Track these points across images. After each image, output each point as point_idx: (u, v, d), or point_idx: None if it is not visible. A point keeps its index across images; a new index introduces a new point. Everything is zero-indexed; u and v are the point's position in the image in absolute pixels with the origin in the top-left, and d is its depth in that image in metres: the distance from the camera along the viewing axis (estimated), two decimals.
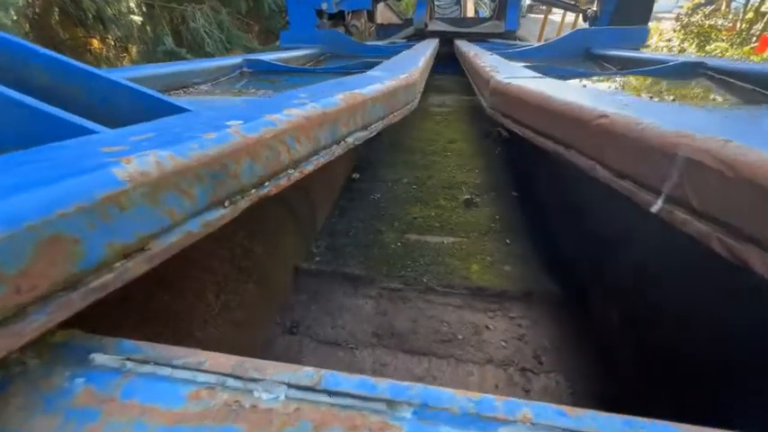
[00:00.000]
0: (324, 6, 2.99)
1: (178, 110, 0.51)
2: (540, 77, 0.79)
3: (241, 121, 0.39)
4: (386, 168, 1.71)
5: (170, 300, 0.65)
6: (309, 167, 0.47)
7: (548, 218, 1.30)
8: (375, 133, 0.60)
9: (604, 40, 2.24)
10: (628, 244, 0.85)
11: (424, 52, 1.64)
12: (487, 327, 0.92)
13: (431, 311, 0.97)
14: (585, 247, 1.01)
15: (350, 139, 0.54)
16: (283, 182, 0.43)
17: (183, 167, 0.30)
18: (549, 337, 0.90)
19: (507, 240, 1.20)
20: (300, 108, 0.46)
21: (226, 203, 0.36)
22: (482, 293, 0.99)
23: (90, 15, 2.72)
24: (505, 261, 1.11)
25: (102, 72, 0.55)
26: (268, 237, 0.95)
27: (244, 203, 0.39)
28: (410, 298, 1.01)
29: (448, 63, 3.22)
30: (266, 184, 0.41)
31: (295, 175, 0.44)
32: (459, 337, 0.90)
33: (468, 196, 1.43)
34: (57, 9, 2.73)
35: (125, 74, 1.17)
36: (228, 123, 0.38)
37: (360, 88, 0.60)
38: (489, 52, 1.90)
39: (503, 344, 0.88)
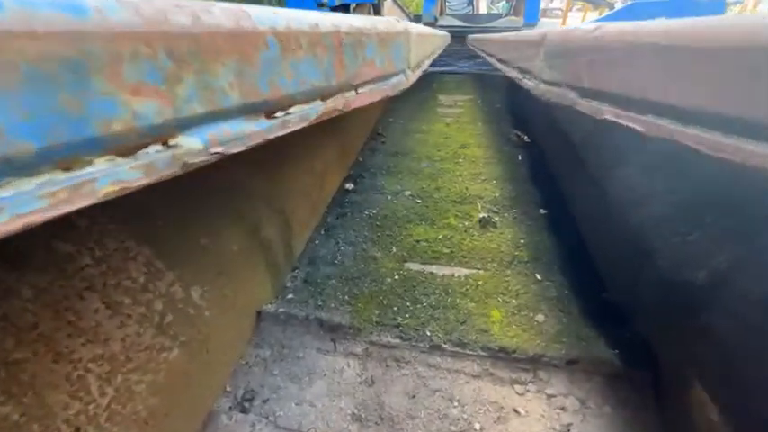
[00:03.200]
0: None
1: None
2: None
3: None
4: (386, 177, 1.45)
5: (24, 402, 0.40)
6: None
7: (591, 244, 1.01)
8: (301, 126, 0.27)
9: (666, 17, 1.91)
10: (729, 283, 0.57)
11: (433, 31, 1.36)
12: (516, 411, 0.65)
13: (436, 382, 0.70)
14: (655, 286, 0.73)
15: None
16: None
17: None
18: (605, 429, 0.62)
19: (537, 275, 0.93)
20: None
21: None
22: (507, 357, 0.72)
23: None
24: (537, 306, 0.83)
25: None
26: (215, 275, 0.70)
27: None
28: (408, 359, 0.74)
29: (460, 61, 3.00)
30: None
31: None
32: (477, 426, 0.63)
33: (485, 214, 1.16)
34: None
35: None
36: None
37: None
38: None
39: None
